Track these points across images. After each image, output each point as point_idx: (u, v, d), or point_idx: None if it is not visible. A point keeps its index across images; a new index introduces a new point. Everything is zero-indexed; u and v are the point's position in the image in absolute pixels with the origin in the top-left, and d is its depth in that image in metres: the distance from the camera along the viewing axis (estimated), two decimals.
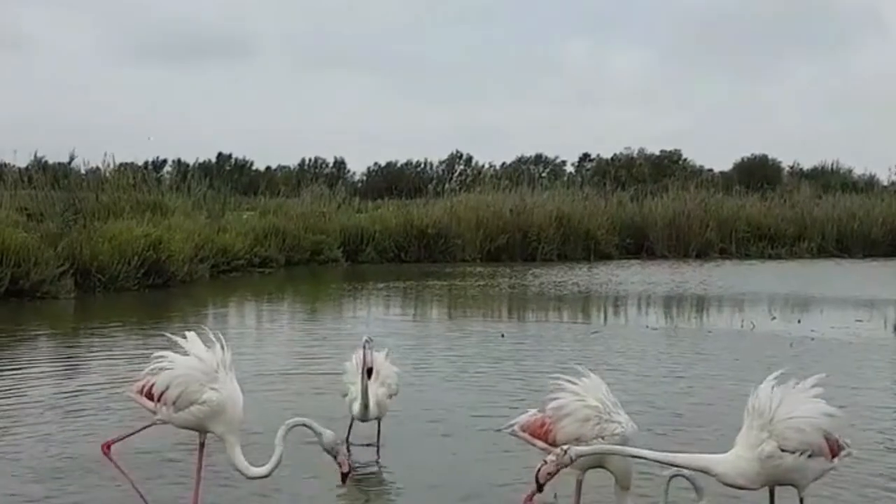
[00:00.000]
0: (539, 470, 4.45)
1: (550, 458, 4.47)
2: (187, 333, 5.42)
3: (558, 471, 4.47)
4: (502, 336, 12.82)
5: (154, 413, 5.32)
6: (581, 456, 4.49)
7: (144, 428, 5.50)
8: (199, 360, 5.23)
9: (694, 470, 4.55)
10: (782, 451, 4.44)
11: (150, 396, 5.32)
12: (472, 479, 6.30)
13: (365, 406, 6.50)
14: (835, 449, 4.63)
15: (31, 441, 7.05)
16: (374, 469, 6.73)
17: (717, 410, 8.27)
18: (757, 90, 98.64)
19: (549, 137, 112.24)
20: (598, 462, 4.84)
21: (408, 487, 6.27)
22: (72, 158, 25.37)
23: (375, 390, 6.62)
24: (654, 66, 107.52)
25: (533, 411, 5.21)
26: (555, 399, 4.98)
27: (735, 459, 4.50)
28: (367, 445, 6.98)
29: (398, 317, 16.09)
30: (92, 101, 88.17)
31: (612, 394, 4.98)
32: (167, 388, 5.19)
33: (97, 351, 11.47)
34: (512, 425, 5.27)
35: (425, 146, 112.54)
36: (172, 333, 5.57)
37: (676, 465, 4.54)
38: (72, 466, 6.39)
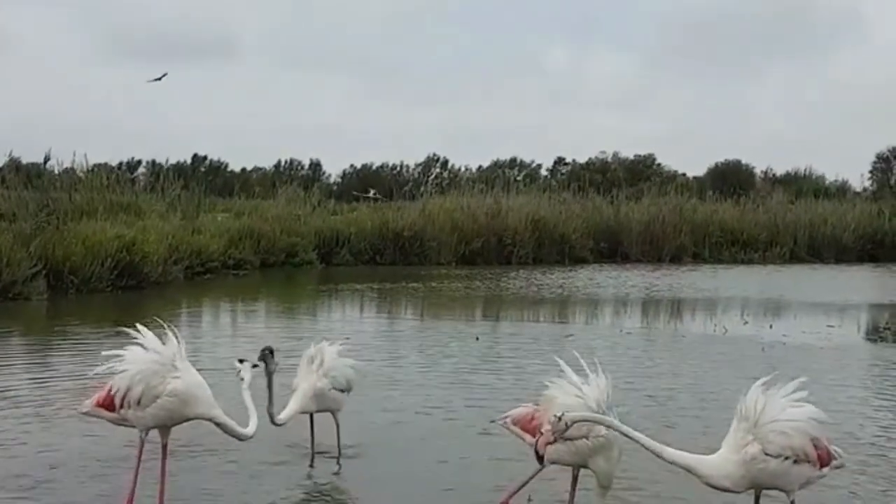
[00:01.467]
0: (537, 441, 4.51)
1: (546, 427, 4.54)
2: (139, 327, 5.39)
3: (555, 440, 4.56)
4: (477, 339, 12.85)
5: (119, 422, 5.27)
6: (576, 422, 4.56)
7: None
8: (155, 353, 5.21)
9: (679, 466, 4.58)
10: (766, 454, 4.47)
11: (110, 405, 5.24)
12: (447, 479, 6.32)
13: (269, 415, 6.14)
14: (825, 457, 4.65)
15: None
16: (335, 468, 6.70)
17: (689, 413, 8.34)
18: (731, 96, 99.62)
19: (525, 141, 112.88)
20: (581, 461, 4.93)
21: (373, 486, 6.26)
22: (47, 159, 25.20)
23: (314, 382, 6.51)
24: (630, 70, 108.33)
25: (525, 406, 5.28)
26: (551, 393, 5.03)
27: (720, 461, 4.54)
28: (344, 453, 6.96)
29: (371, 318, 16.09)
30: (69, 101, 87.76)
31: (608, 391, 4.95)
32: (129, 388, 5.13)
33: (67, 353, 11.36)
34: (505, 418, 5.36)
35: (402, 149, 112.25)
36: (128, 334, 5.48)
37: (663, 458, 4.58)
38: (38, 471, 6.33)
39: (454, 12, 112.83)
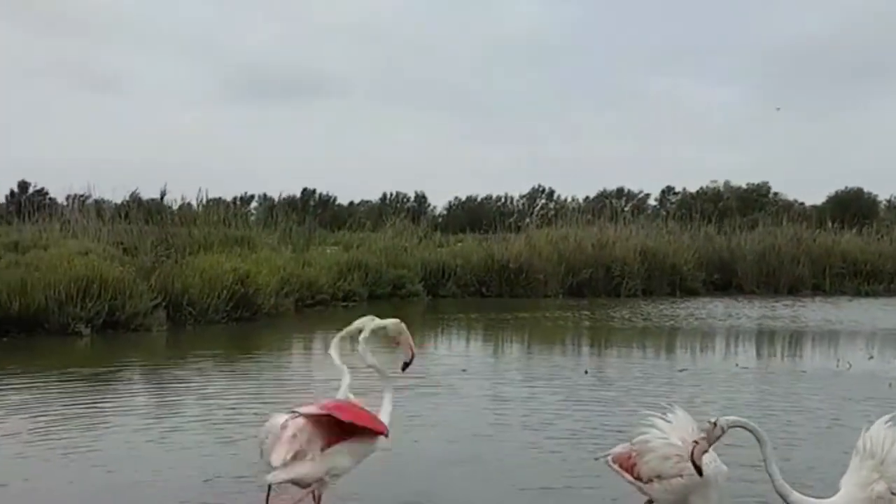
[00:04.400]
0: (693, 451, 4.48)
1: (701, 435, 4.60)
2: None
3: (711, 445, 4.58)
4: (586, 372, 12.67)
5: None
6: (732, 426, 4.58)
7: None
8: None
9: None
10: (893, 493, 4.31)
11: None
12: None
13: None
14: None
15: (128, 473, 7.19)
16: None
17: (810, 452, 8.02)
18: (847, 123, 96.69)
19: (632, 171, 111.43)
20: (680, 500, 4.92)
21: None
22: (163, 195, 26.22)
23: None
24: (739, 99, 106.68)
25: (625, 444, 5.26)
26: (641, 434, 5.03)
27: (846, 502, 4.39)
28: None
29: (478, 351, 16.06)
30: (183, 140, 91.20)
31: (699, 430, 4.94)
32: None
33: (191, 384, 11.70)
34: (607, 455, 5.40)
35: (507, 181, 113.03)
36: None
37: (787, 501, 4.48)
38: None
39: (555, 45, 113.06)
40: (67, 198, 24.19)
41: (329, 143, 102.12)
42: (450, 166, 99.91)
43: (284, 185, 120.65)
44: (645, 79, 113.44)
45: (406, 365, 5.30)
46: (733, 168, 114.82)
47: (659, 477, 4.94)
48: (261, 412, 9.17)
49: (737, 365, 13.75)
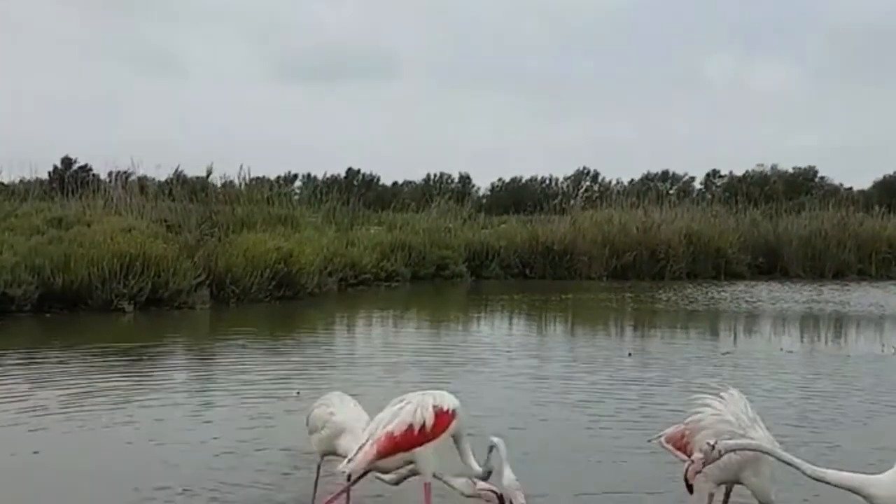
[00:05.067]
0: (687, 469, 4.47)
1: (697, 455, 4.50)
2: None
3: (704, 467, 4.46)
4: (629, 355, 12.59)
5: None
6: (730, 451, 4.48)
7: None
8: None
9: (843, 488, 4.39)
10: None
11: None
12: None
13: None
14: None
15: (150, 448, 7.28)
16: None
17: (854, 433, 7.91)
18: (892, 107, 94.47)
19: (678, 154, 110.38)
20: (734, 477, 4.86)
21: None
22: (209, 172, 26.38)
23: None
24: (792, 81, 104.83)
25: (679, 424, 5.22)
26: (695, 412, 4.98)
27: (890, 482, 4.33)
28: None
29: (522, 333, 16.04)
30: (233, 119, 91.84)
31: (752, 410, 4.88)
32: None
33: (230, 361, 11.82)
34: (660, 436, 5.39)
35: (552, 162, 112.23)
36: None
37: (826, 482, 4.41)
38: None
39: (616, 24, 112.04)
40: (110, 174, 24.45)
41: (374, 123, 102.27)
42: (496, 147, 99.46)
43: (329, 165, 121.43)
44: (701, 59, 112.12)
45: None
46: (780, 151, 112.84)
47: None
48: (298, 390, 9.26)
49: (781, 349, 13.57)
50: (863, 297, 23.14)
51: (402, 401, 4.71)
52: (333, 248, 21.84)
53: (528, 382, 10.45)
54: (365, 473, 4.82)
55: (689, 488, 4.49)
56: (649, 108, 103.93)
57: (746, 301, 21.48)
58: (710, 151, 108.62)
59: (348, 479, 4.90)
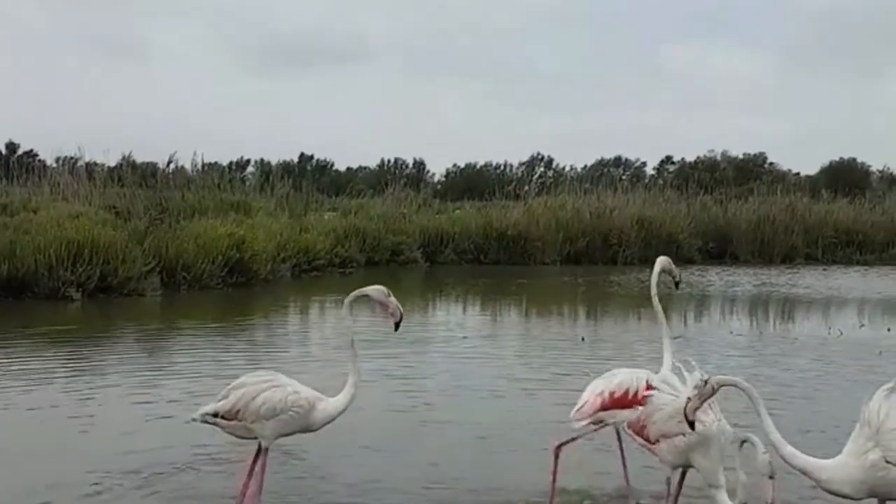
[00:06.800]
0: (685, 408, 4.62)
1: (693, 392, 4.64)
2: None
3: (703, 403, 4.64)
4: (582, 339, 12.70)
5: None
6: (723, 385, 4.60)
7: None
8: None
9: (795, 467, 4.47)
10: (887, 462, 4.32)
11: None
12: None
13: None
14: None
15: (106, 443, 7.16)
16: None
17: (799, 416, 8.06)
18: (846, 94, 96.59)
19: (633, 140, 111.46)
20: (685, 461, 4.96)
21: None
22: (170, 161, 25.84)
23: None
24: (745, 69, 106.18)
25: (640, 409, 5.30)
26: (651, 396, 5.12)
27: (840, 467, 4.42)
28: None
29: (476, 316, 16.09)
30: (187, 105, 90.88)
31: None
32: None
33: (179, 348, 11.71)
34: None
35: (507, 149, 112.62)
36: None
37: (781, 454, 4.48)
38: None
39: (578, 13, 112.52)
40: (57, 160, 24.00)
41: (330, 109, 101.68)
42: (448, 132, 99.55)
43: (282, 151, 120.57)
44: (657, 46, 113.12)
45: (397, 325, 5.38)
46: (732, 137, 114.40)
47: (664, 436, 4.98)
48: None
49: (731, 332, 13.78)
50: (810, 280, 23.57)
51: (613, 375, 5.69)
52: (287, 234, 21.69)
53: (480, 362, 10.51)
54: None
55: (691, 424, 4.65)
56: (605, 94, 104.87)
57: (697, 286, 21.76)
58: (664, 138, 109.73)
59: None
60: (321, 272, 22.28)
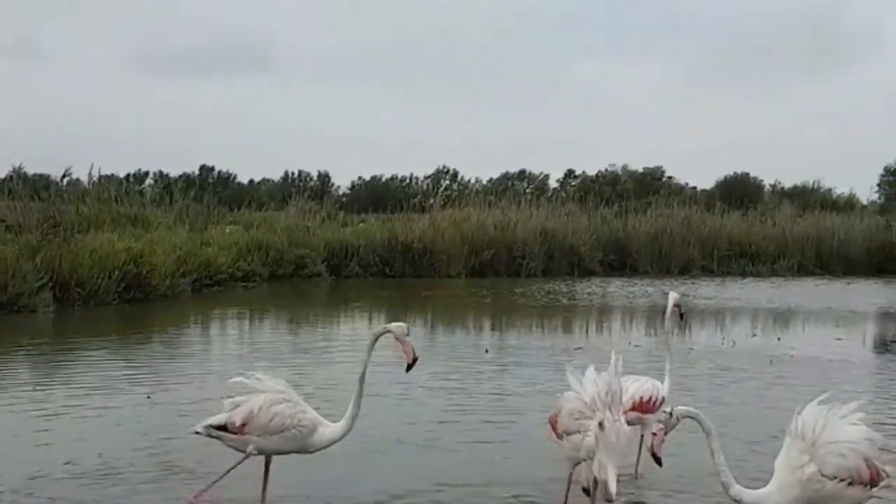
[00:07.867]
0: (652, 443, 4.70)
1: (658, 425, 4.75)
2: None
3: (666, 434, 4.73)
4: (486, 351, 12.79)
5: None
6: (685, 417, 4.75)
7: None
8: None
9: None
10: (822, 475, 4.42)
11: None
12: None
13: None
14: (875, 477, 4.58)
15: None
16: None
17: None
18: (740, 109, 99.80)
19: (535, 153, 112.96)
20: (587, 456, 4.97)
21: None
22: (66, 174, 25.10)
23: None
24: (642, 84, 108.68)
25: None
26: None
27: (779, 490, 4.50)
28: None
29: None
30: (82, 114, 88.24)
31: (616, 391, 5.00)
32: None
33: (71, 367, 11.32)
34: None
35: (412, 161, 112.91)
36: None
37: (730, 495, 4.61)
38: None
39: (484, 23, 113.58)
40: None
41: (230, 120, 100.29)
42: (353, 145, 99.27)
43: (183, 164, 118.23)
44: (563, 60, 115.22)
45: (409, 366, 5.36)
46: (633, 151, 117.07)
47: (566, 433, 5.02)
48: (145, 394, 8.98)
49: (630, 343, 14.07)
50: (705, 291, 24.25)
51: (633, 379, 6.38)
52: (187, 247, 21.23)
53: (383, 375, 10.47)
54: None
55: (658, 460, 4.68)
56: (510, 107, 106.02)
57: (598, 297, 22.16)
58: (567, 151, 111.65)
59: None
60: (223, 286, 21.89)
